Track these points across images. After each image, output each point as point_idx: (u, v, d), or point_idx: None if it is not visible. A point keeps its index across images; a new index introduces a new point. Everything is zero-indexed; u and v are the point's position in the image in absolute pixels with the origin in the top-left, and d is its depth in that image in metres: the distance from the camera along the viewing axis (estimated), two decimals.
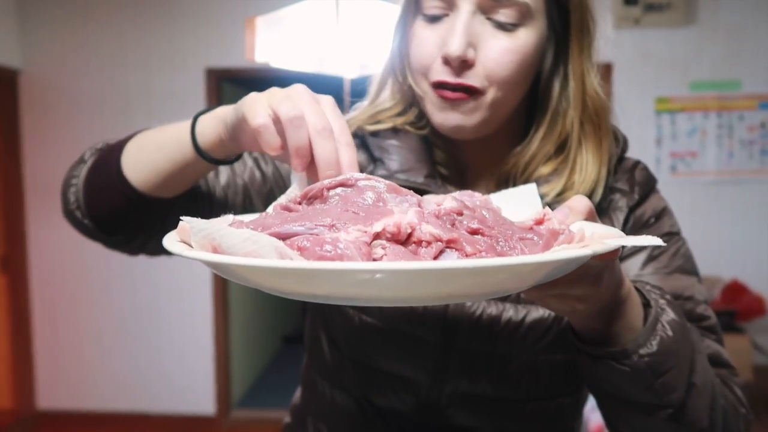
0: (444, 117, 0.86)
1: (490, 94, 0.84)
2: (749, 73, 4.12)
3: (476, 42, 0.82)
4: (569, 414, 1.00)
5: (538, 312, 0.90)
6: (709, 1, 4.08)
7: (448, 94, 0.84)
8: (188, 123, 0.84)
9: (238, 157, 0.88)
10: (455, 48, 0.80)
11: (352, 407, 1.00)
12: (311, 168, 0.68)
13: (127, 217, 0.91)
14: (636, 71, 4.14)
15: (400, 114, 0.96)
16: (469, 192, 0.66)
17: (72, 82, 4.40)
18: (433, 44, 0.84)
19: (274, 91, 0.70)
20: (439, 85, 0.85)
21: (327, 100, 0.70)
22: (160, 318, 4.50)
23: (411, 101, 0.95)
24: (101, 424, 4.51)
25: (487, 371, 0.92)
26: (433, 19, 0.85)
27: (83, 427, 4.48)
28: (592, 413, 2.99)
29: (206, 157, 0.83)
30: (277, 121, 0.68)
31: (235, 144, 0.79)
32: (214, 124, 0.81)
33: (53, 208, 4.36)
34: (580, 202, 0.63)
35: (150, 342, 4.52)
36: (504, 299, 0.90)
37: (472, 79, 0.83)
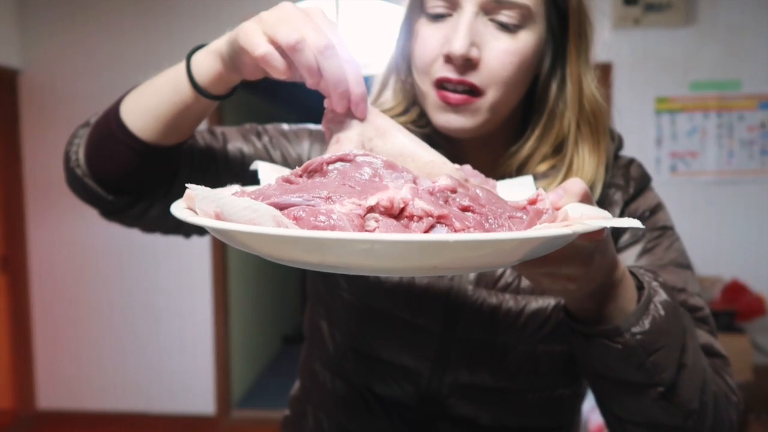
0: (445, 119, 0.87)
1: (490, 95, 0.85)
2: (749, 73, 4.12)
3: (479, 42, 0.83)
4: (568, 407, 1.01)
5: (537, 302, 0.91)
6: (709, 1, 4.09)
7: (450, 97, 0.85)
8: (183, 64, 0.84)
9: (234, 90, 0.87)
10: (459, 47, 0.81)
11: (352, 396, 1.01)
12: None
13: (132, 172, 0.89)
14: (636, 71, 4.15)
15: (401, 114, 0.98)
16: (468, 166, 0.67)
17: (72, 82, 4.41)
18: (436, 42, 0.85)
19: (263, 17, 0.72)
20: (441, 85, 0.86)
21: (317, 13, 0.72)
22: (160, 318, 4.51)
23: (413, 101, 0.96)
24: (101, 424, 4.51)
25: (487, 361, 0.94)
26: (437, 18, 0.86)
27: (83, 427, 4.49)
28: (592, 413, 2.99)
29: (206, 94, 0.83)
30: (277, 46, 0.70)
31: (236, 74, 0.80)
32: (210, 59, 0.81)
33: (53, 208, 4.37)
34: (575, 184, 0.63)
35: (150, 342, 4.53)
36: (504, 289, 0.92)
37: (473, 77, 0.84)
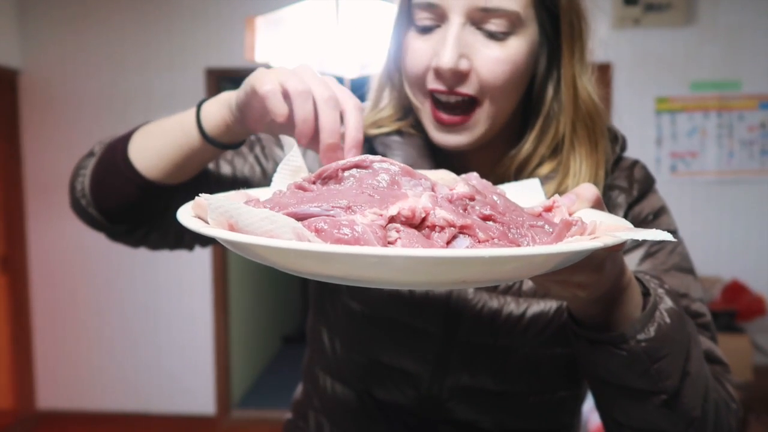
0: (442, 137, 0.87)
1: (486, 105, 0.85)
2: (749, 73, 4.12)
3: (468, 53, 0.82)
4: (568, 409, 1.01)
5: (539, 306, 0.91)
6: (709, 1, 4.08)
7: (444, 119, 0.85)
8: (193, 110, 0.87)
9: (242, 142, 0.90)
10: (446, 60, 0.81)
11: (353, 401, 1.01)
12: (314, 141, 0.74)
13: (134, 205, 0.93)
14: (636, 71, 4.15)
15: (400, 119, 0.98)
16: (475, 174, 0.67)
17: (72, 82, 4.40)
18: (425, 55, 0.85)
19: (280, 68, 0.75)
20: (434, 97, 0.86)
21: (331, 78, 0.75)
22: (160, 318, 4.50)
23: (409, 108, 0.96)
24: (101, 424, 4.51)
25: (488, 364, 0.93)
26: (425, 30, 0.85)
27: (83, 427, 4.48)
28: (591, 414, 2.99)
29: (212, 142, 0.86)
30: (285, 94, 0.73)
31: (241, 126, 0.83)
32: (218, 108, 0.84)
33: (53, 208, 4.36)
34: (587, 190, 0.63)
35: (150, 342, 4.52)
36: (505, 292, 0.91)
37: (466, 88, 0.84)
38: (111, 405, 4.57)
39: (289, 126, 0.77)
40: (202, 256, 4.39)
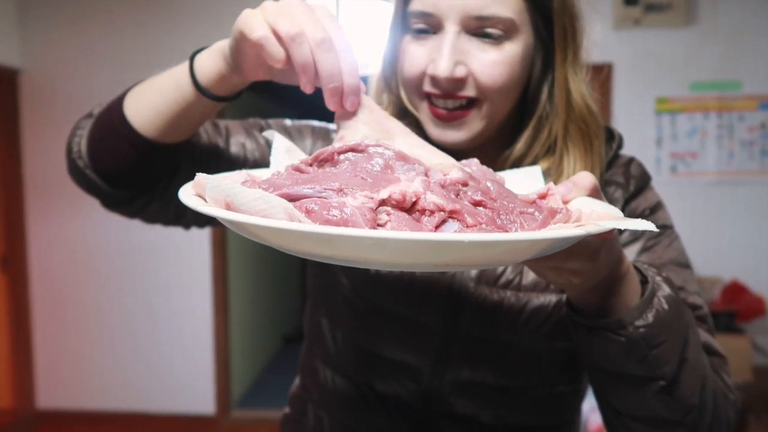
0: (440, 133, 0.88)
1: (484, 106, 0.85)
2: (749, 74, 4.11)
3: (464, 59, 0.83)
4: (568, 405, 1.01)
5: (538, 299, 0.91)
6: (709, 1, 4.09)
7: (442, 114, 0.85)
8: (186, 63, 0.83)
9: (239, 94, 0.86)
10: (443, 69, 0.82)
11: (353, 394, 1.01)
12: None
13: (132, 166, 0.89)
14: (636, 71, 4.15)
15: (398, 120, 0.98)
16: (475, 161, 0.67)
17: (72, 82, 4.40)
18: (422, 60, 0.86)
19: (267, 5, 0.71)
20: (432, 101, 0.86)
21: (321, 8, 0.71)
22: (159, 318, 4.50)
23: (406, 110, 0.96)
24: (101, 424, 4.51)
25: (489, 358, 0.93)
26: (420, 34, 0.86)
27: (83, 427, 4.48)
28: (592, 414, 2.99)
29: (208, 95, 0.82)
30: (276, 35, 0.69)
31: (238, 75, 0.79)
32: (213, 58, 0.81)
33: (53, 208, 4.36)
34: (584, 178, 0.64)
35: (150, 342, 4.52)
36: (505, 287, 0.92)
37: (466, 90, 0.84)
38: (111, 405, 4.57)
39: (290, 70, 0.74)
40: (202, 255, 4.39)
